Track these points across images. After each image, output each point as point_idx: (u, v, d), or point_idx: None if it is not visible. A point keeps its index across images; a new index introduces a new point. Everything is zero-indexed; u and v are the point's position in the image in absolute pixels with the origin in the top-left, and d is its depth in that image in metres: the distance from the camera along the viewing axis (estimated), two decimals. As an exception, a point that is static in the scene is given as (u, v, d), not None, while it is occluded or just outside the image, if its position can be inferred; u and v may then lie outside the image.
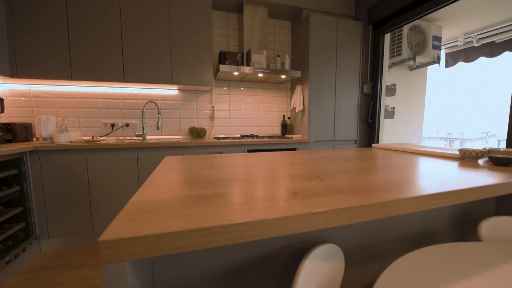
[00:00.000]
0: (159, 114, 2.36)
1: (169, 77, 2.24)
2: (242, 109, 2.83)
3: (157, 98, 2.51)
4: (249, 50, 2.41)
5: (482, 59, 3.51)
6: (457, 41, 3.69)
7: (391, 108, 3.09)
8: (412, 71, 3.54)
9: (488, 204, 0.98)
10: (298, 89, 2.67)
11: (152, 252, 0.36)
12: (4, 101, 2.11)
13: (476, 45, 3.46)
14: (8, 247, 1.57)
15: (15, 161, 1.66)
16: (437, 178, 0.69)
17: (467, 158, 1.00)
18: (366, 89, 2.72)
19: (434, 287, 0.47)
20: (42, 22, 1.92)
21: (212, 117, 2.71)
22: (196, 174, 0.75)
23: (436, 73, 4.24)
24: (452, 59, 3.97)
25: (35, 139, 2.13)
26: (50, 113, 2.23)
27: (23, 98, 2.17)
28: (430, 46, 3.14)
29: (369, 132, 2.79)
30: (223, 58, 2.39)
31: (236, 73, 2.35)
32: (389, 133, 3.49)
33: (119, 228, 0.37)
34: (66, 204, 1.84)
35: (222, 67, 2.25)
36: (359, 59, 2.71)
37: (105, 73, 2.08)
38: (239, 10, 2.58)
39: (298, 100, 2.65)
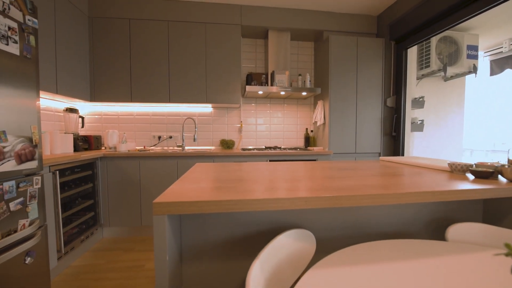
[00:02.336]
0: (195, 128, 2.79)
1: (204, 97, 2.65)
2: (268, 123, 3.11)
3: (195, 115, 2.96)
4: (273, 71, 2.70)
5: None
6: (502, 47, 3.43)
7: (419, 120, 3.01)
8: (447, 81, 3.39)
9: (476, 212, 1.04)
10: (320, 104, 2.84)
11: (176, 211, 0.63)
12: (84, 119, 2.77)
13: (523, 51, 3.18)
14: (82, 230, 2.07)
15: (90, 165, 2.20)
16: (397, 183, 0.84)
17: (455, 172, 1.09)
18: (390, 102, 2.75)
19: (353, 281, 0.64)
20: (111, 60, 2.52)
21: (240, 130, 3.04)
22: (217, 175, 1.03)
23: (480, 82, 3.93)
24: (498, 67, 3.67)
25: (103, 148, 2.73)
26: (115, 127, 2.83)
27: (96, 116, 2.81)
28: (464, 56, 3.01)
29: (394, 145, 2.78)
30: (250, 79, 2.73)
31: (260, 92, 2.66)
32: (421, 146, 3.36)
33: (161, 198, 0.66)
34: (123, 200, 2.32)
35: (248, 88, 2.58)
36: (381, 74, 2.77)
37: (155, 96, 2.59)
38: (265, 36, 2.92)
39: (319, 114, 2.82)
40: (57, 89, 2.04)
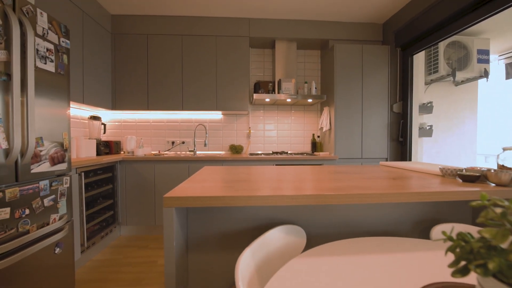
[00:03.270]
0: (206, 134, 2.94)
1: (214, 104, 2.81)
2: (275, 129, 3.21)
3: (206, 121, 3.13)
4: (280, 79, 2.82)
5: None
6: (517, 50, 3.35)
7: (428, 126, 2.99)
8: (458, 86, 3.34)
9: (465, 214, 1.08)
10: (326, 110, 2.91)
11: (183, 204, 0.75)
12: (106, 126, 3.01)
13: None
14: (102, 227, 2.26)
15: (111, 167, 2.40)
16: (381, 186, 0.92)
17: (447, 176, 1.13)
18: (396, 108, 2.77)
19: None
20: (131, 72, 2.75)
21: (248, 136, 3.17)
22: (221, 176, 1.15)
23: (496, 86, 3.82)
24: (514, 70, 3.57)
25: (122, 152, 2.95)
26: (133, 133, 3.05)
27: (116, 123, 3.05)
28: (475, 60, 2.98)
29: (401, 150, 2.78)
30: (257, 87, 2.87)
31: (267, 100, 2.78)
32: (432, 152, 3.31)
33: (170, 194, 0.78)
34: (139, 200, 2.49)
35: (255, 95, 2.71)
36: (387, 80, 2.80)
37: (170, 104, 2.78)
38: (272, 46, 3.06)
39: (325, 120, 2.88)
40: (83, 99, 2.28)
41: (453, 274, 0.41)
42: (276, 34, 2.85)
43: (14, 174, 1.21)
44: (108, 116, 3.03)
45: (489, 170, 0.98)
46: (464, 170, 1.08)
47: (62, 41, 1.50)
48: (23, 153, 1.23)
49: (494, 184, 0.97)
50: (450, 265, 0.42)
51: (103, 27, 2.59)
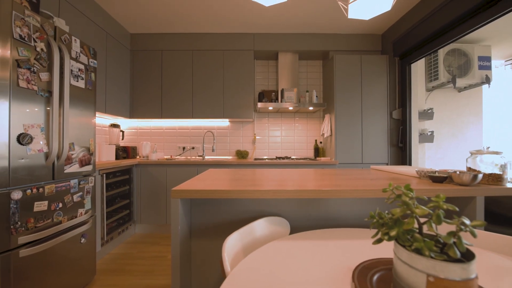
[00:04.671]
0: (214, 140, 3.16)
1: (222, 112, 3.04)
2: (279, 135, 3.38)
3: (214, 128, 3.35)
4: (283, 89, 3.00)
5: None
6: (523, 56, 3.35)
7: (429, 132, 3.04)
8: (461, 92, 3.38)
9: None
10: (327, 117, 3.05)
11: (186, 196, 0.94)
12: (124, 133, 3.31)
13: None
14: (119, 224, 2.50)
15: (128, 170, 2.66)
16: (354, 185, 1.06)
17: (422, 177, 1.25)
18: (396, 115, 2.86)
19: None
20: (147, 84, 3.04)
21: (254, 142, 3.35)
22: (221, 176, 1.34)
23: (503, 91, 3.80)
24: (521, 76, 3.55)
25: (138, 157, 3.21)
26: (147, 140, 3.33)
27: (133, 130, 3.34)
28: (476, 67, 3.03)
29: (401, 155, 2.86)
30: (261, 96, 3.06)
31: (270, 108, 2.97)
32: (436, 157, 3.33)
33: (176, 188, 0.97)
34: (152, 201, 2.72)
35: (259, 104, 2.90)
36: (386, 88, 2.91)
37: (181, 112, 3.03)
38: (276, 57, 3.26)
39: (326, 126, 3.02)
40: (105, 109, 2.56)
41: (374, 243, 0.57)
42: (279, 47, 3.06)
43: (51, 173, 1.46)
44: (126, 123, 3.33)
45: (455, 172, 1.10)
46: (436, 172, 1.20)
47: (91, 62, 1.77)
48: (59, 156, 1.48)
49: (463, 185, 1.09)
50: (373, 236, 0.58)
51: (123, 44, 2.91)
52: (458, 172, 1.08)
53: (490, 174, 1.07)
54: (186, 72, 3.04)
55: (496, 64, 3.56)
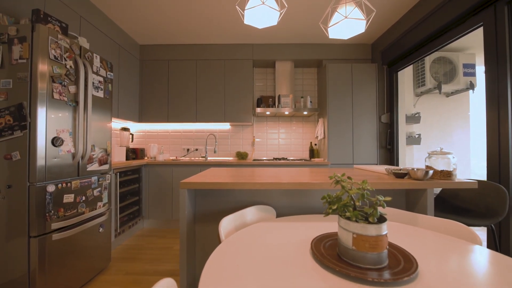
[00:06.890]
0: (216, 142, 3.41)
1: (223, 117, 3.29)
2: (277, 138, 3.61)
3: (216, 131, 3.60)
4: (279, 95, 3.24)
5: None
6: None
7: (417, 134, 3.25)
8: (449, 97, 3.58)
9: (400, 201, 1.41)
10: (320, 121, 3.28)
11: (191, 187, 1.18)
12: (133, 136, 3.58)
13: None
14: (130, 219, 2.75)
15: (137, 170, 2.92)
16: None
17: (389, 174, 1.48)
18: (384, 119, 3.07)
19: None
20: (154, 91, 3.31)
21: (253, 144, 3.59)
22: (219, 174, 1.58)
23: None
24: None
25: (146, 158, 3.48)
26: (155, 142, 3.59)
27: (141, 133, 3.61)
28: (461, 74, 3.23)
29: (389, 156, 3.07)
30: (259, 102, 3.31)
31: (268, 112, 3.21)
32: (423, 159, 3.52)
33: (184, 181, 1.22)
34: (159, 198, 2.97)
35: (258, 109, 3.15)
36: (375, 94, 3.13)
37: (186, 116, 3.29)
38: (273, 65, 3.51)
39: (320, 129, 3.25)
40: (118, 114, 2.83)
41: (324, 215, 0.80)
42: (276, 56, 3.31)
43: (76, 171, 1.72)
44: (135, 127, 3.60)
45: (412, 169, 1.32)
46: (401, 170, 1.42)
47: (109, 74, 2.03)
48: (83, 156, 1.74)
49: (414, 179, 1.31)
50: (324, 212, 0.81)
51: (133, 55, 3.19)
52: (415, 169, 1.30)
53: (442, 171, 1.29)
54: (190, 80, 3.30)
55: (482, 70, 3.74)
